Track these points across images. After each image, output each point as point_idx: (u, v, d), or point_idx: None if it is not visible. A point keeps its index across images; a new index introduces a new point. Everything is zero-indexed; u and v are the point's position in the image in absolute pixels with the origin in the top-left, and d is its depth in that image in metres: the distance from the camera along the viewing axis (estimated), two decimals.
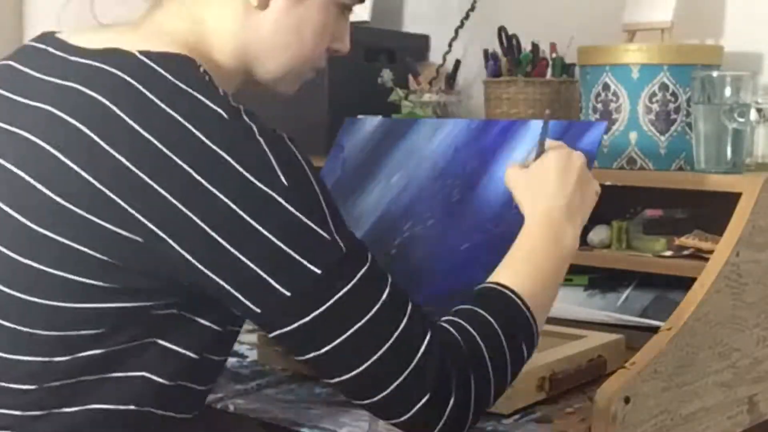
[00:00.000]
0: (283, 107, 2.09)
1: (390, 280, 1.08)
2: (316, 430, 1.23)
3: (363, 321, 1.04)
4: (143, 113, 1.03)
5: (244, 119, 1.08)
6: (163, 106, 1.04)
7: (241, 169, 1.03)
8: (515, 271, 1.18)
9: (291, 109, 2.08)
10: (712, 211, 1.58)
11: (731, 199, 1.51)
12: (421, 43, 2.24)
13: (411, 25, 2.29)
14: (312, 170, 1.08)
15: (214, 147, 1.03)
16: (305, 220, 1.03)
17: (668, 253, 1.62)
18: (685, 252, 1.60)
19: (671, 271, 1.58)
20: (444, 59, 2.12)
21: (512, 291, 1.14)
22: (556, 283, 1.21)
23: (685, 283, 1.45)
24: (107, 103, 1.04)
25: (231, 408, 1.31)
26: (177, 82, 1.06)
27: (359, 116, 1.95)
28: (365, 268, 1.06)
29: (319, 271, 1.03)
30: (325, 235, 1.04)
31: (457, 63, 2.11)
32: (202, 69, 1.09)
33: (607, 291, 1.68)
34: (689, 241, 1.59)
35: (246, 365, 1.48)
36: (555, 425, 1.26)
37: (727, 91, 1.62)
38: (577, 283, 1.71)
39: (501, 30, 1.99)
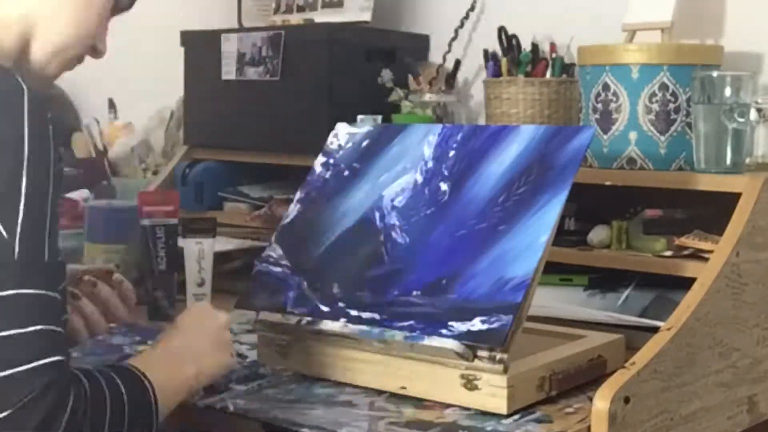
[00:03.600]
0: (284, 107, 2.09)
1: (53, 324, 1.05)
2: (316, 430, 1.23)
3: None
4: None
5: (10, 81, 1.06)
6: None
7: None
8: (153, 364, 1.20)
9: (291, 109, 2.08)
10: (712, 211, 1.58)
11: (731, 199, 1.51)
12: (421, 43, 2.24)
13: (411, 25, 2.29)
14: (45, 162, 1.07)
15: None
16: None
17: (668, 253, 1.62)
18: (685, 252, 1.60)
19: (671, 271, 1.58)
20: (444, 59, 2.12)
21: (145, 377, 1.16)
22: (175, 400, 1.22)
23: (685, 283, 1.45)
24: None
25: (231, 408, 1.31)
26: None
27: (359, 116, 1.96)
28: (31, 290, 1.04)
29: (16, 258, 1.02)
30: (3, 232, 1.03)
31: (457, 63, 2.11)
32: None
33: (607, 291, 1.68)
34: (689, 241, 1.59)
35: (246, 365, 1.48)
36: (555, 425, 1.26)
37: (727, 91, 1.62)
38: (577, 283, 1.71)
39: (501, 30, 1.99)
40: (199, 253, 1.76)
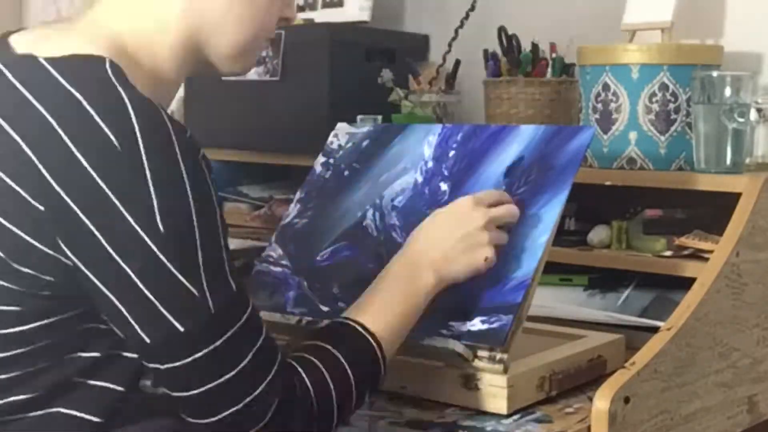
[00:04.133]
0: (284, 107, 2.09)
1: (262, 336, 1.08)
2: None
3: (219, 380, 1.04)
4: (31, 131, 1.00)
5: (137, 143, 1.00)
6: (52, 122, 1.00)
7: (116, 201, 0.99)
8: (370, 308, 1.21)
9: (291, 109, 2.08)
10: (712, 211, 1.58)
11: (731, 199, 1.51)
12: (421, 43, 2.24)
13: (411, 25, 2.29)
14: (209, 202, 1.05)
15: (99, 181, 0.99)
16: (174, 271, 1.01)
17: (668, 253, 1.62)
18: (685, 252, 1.60)
19: (671, 271, 1.58)
20: (444, 59, 2.11)
21: (366, 329, 1.18)
22: (408, 322, 1.23)
23: (685, 283, 1.45)
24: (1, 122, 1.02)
25: None
26: (71, 90, 1.01)
27: (359, 116, 1.96)
28: (235, 327, 1.05)
29: (182, 329, 1.02)
30: (193, 290, 1.02)
31: (457, 63, 2.11)
32: (109, 67, 1.03)
33: (607, 291, 1.68)
34: (689, 241, 1.59)
35: None
36: (555, 425, 1.26)
37: (727, 91, 1.62)
38: (577, 283, 1.71)
39: (501, 30, 1.99)
40: None
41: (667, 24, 1.78)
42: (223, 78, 2.16)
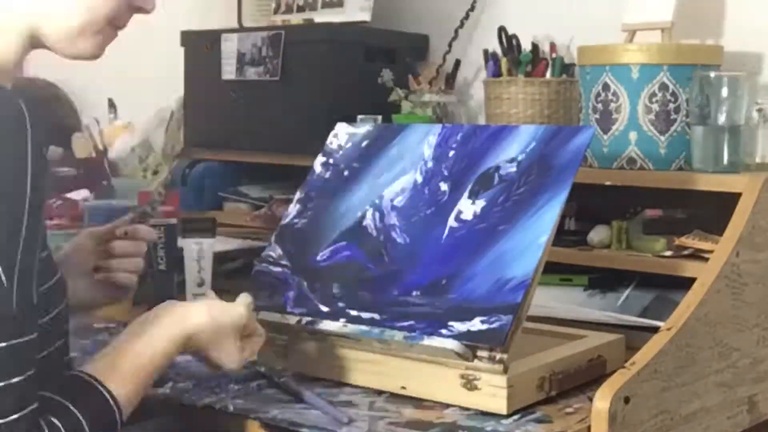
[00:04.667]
0: (284, 107, 2.09)
1: (25, 376, 1.03)
2: (315, 430, 1.23)
3: None
4: None
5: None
6: None
7: None
8: (110, 365, 1.17)
9: (291, 109, 2.08)
10: (712, 211, 1.58)
11: (731, 199, 1.51)
12: (421, 43, 2.24)
13: (411, 25, 2.29)
14: (32, 205, 1.03)
15: None
16: None
17: (668, 253, 1.62)
18: (685, 252, 1.60)
19: (671, 271, 1.58)
20: (444, 59, 2.12)
21: (101, 384, 1.13)
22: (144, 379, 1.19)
23: (685, 283, 1.45)
24: None
25: (231, 408, 1.31)
26: None
27: (359, 116, 1.96)
28: (24, 338, 1.02)
29: None
30: (4, 279, 1.00)
31: (457, 63, 2.11)
32: None
33: (607, 291, 1.68)
34: (689, 241, 1.59)
35: (246, 365, 1.47)
36: (555, 425, 1.26)
37: (726, 91, 1.62)
38: (577, 283, 1.71)
39: (501, 30, 1.99)
40: (198, 252, 1.76)
41: (667, 24, 1.78)
42: (224, 78, 2.18)
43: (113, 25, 1.18)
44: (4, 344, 1.01)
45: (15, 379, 1.02)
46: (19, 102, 1.04)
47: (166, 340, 1.21)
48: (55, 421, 1.06)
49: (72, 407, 1.09)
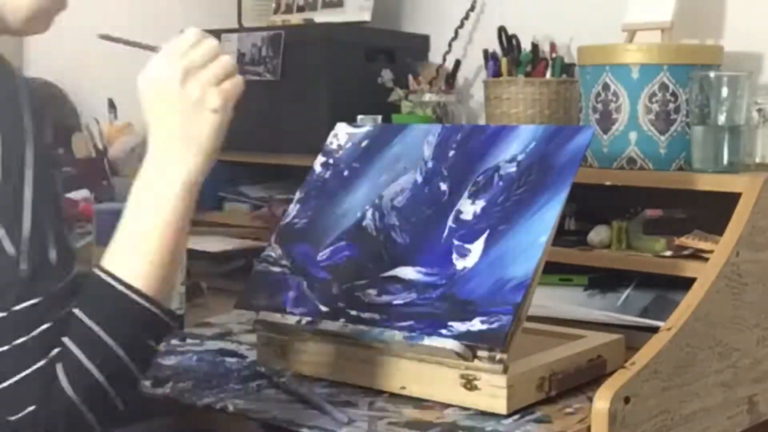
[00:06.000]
0: (284, 107, 2.09)
1: (31, 336, 0.97)
2: (315, 430, 1.23)
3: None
4: None
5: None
6: None
7: None
8: (124, 251, 1.05)
9: (291, 109, 2.08)
10: (712, 211, 1.58)
11: (731, 199, 1.51)
12: (421, 43, 2.24)
13: (411, 25, 2.29)
14: (41, 167, 0.99)
15: None
16: None
17: (668, 253, 1.62)
18: (685, 252, 1.60)
19: (671, 271, 1.58)
20: (444, 59, 2.12)
21: (118, 280, 1.02)
22: (175, 245, 1.07)
23: (685, 283, 1.45)
24: None
25: (231, 408, 1.31)
26: None
27: (359, 116, 1.96)
28: (33, 300, 0.97)
29: None
30: (8, 248, 0.97)
31: (457, 63, 2.11)
32: None
33: (607, 291, 1.68)
34: (689, 241, 1.59)
35: (246, 365, 1.48)
36: (555, 425, 1.26)
37: (726, 91, 1.62)
38: (577, 283, 1.71)
39: (501, 30, 1.99)
40: None
41: (667, 24, 1.78)
42: None
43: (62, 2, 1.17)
44: (3, 314, 0.97)
45: (20, 340, 0.97)
46: (10, 66, 1.02)
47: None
48: (69, 346, 0.99)
49: (78, 312, 1.00)
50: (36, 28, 1.18)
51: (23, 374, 0.97)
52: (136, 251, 1.04)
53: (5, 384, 0.98)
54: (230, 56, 1.15)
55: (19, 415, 0.97)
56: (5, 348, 0.98)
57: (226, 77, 1.15)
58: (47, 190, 1.01)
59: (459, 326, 1.28)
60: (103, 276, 1.03)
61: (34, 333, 0.98)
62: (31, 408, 0.97)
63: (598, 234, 1.70)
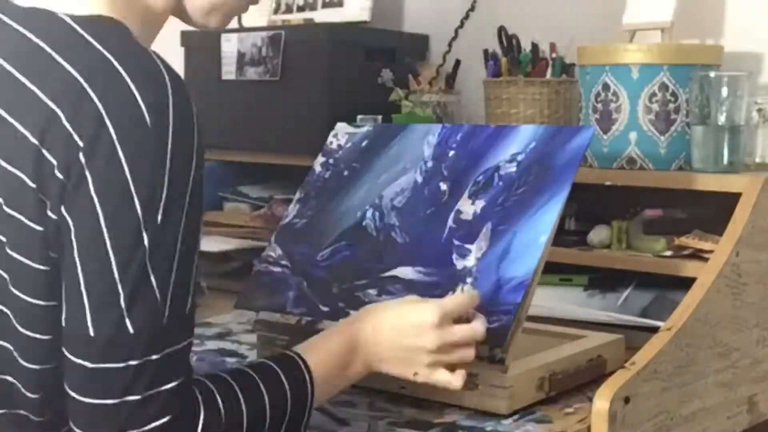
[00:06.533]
0: (284, 107, 2.09)
1: (182, 379, 1.00)
2: (315, 431, 1.23)
3: (139, 396, 0.98)
4: (55, 87, 0.97)
5: (167, 124, 0.98)
6: (81, 81, 0.97)
7: (128, 177, 0.96)
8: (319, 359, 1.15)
9: (291, 109, 2.08)
10: (712, 211, 1.58)
11: (731, 199, 1.51)
12: (421, 43, 2.24)
13: (411, 25, 2.29)
14: (198, 207, 1.01)
15: (119, 151, 0.96)
16: (149, 269, 0.97)
17: (668, 253, 1.62)
18: (685, 252, 1.60)
19: (671, 271, 1.58)
20: (444, 59, 2.12)
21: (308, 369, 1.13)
22: (329, 392, 1.18)
23: (685, 283, 1.45)
24: (20, 76, 0.99)
25: None
26: (110, 58, 0.98)
27: (359, 116, 1.96)
28: (175, 347, 1.00)
29: (132, 331, 0.97)
30: (158, 295, 0.98)
31: (457, 63, 2.11)
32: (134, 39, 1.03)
33: (607, 291, 1.68)
34: (689, 241, 1.59)
35: None
36: (555, 425, 1.26)
37: (726, 91, 1.62)
38: (577, 283, 1.71)
39: (501, 30, 1.99)
40: None
41: (667, 24, 1.78)
42: (224, 78, 2.18)
43: (247, 2, 1.20)
44: (155, 357, 0.98)
45: (165, 387, 0.99)
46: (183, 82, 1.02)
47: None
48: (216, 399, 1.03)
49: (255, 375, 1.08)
50: (215, 22, 1.19)
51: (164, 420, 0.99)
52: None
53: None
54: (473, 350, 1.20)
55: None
56: (148, 393, 0.98)
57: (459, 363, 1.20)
58: (195, 231, 1.02)
59: None
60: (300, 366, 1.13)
61: (175, 382, 1.00)
62: None
63: (598, 234, 1.70)
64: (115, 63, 0.98)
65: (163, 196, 0.97)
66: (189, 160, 0.99)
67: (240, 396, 1.06)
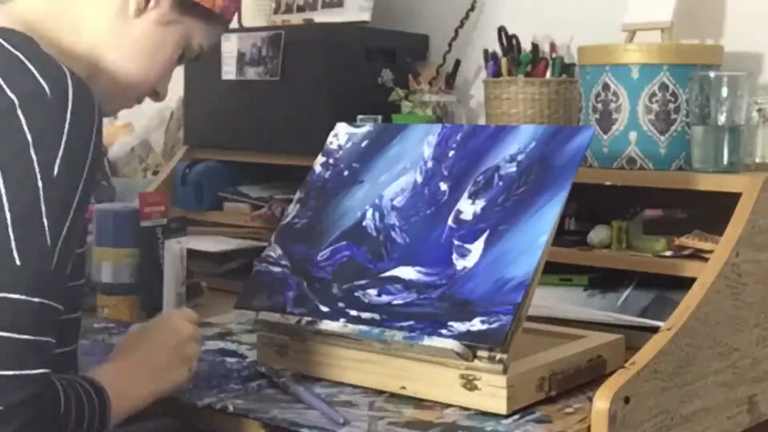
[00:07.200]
0: (284, 107, 2.09)
1: (46, 339, 1.05)
2: (315, 430, 1.23)
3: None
4: None
5: (66, 100, 1.07)
6: None
7: (28, 137, 1.05)
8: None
9: (291, 109, 2.08)
10: (712, 211, 1.58)
11: (731, 199, 1.51)
12: (421, 43, 2.24)
13: (411, 25, 2.29)
14: (87, 181, 1.09)
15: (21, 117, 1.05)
16: (43, 214, 1.04)
17: (668, 253, 1.62)
18: (685, 252, 1.60)
19: (671, 271, 1.58)
20: (444, 59, 2.12)
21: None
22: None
23: (685, 283, 1.45)
24: None
25: (231, 408, 1.31)
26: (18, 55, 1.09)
27: (359, 116, 1.96)
28: (50, 301, 1.05)
29: (18, 263, 1.03)
30: (49, 240, 1.05)
31: (457, 63, 2.11)
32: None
33: (607, 291, 1.68)
34: (689, 241, 1.59)
35: (246, 365, 1.48)
36: (555, 425, 1.26)
37: (726, 91, 1.62)
38: (577, 283, 1.71)
39: (501, 30, 1.99)
40: (180, 251, 1.76)
41: (667, 24, 1.78)
42: (224, 78, 2.18)
43: (138, 98, 1.28)
44: (37, 300, 1.04)
45: (43, 338, 1.04)
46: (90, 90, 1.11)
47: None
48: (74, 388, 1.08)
49: (80, 388, 1.11)
50: (118, 106, 1.29)
51: (39, 371, 1.03)
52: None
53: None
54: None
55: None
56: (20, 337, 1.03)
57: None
58: (83, 211, 1.10)
59: (459, 326, 1.28)
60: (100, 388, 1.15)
61: (50, 339, 1.06)
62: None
63: (598, 234, 1.70)
64: (23, 58, 1.09)
65: (60, 153, 1.05)
66: (87, 137, 1.09)
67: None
